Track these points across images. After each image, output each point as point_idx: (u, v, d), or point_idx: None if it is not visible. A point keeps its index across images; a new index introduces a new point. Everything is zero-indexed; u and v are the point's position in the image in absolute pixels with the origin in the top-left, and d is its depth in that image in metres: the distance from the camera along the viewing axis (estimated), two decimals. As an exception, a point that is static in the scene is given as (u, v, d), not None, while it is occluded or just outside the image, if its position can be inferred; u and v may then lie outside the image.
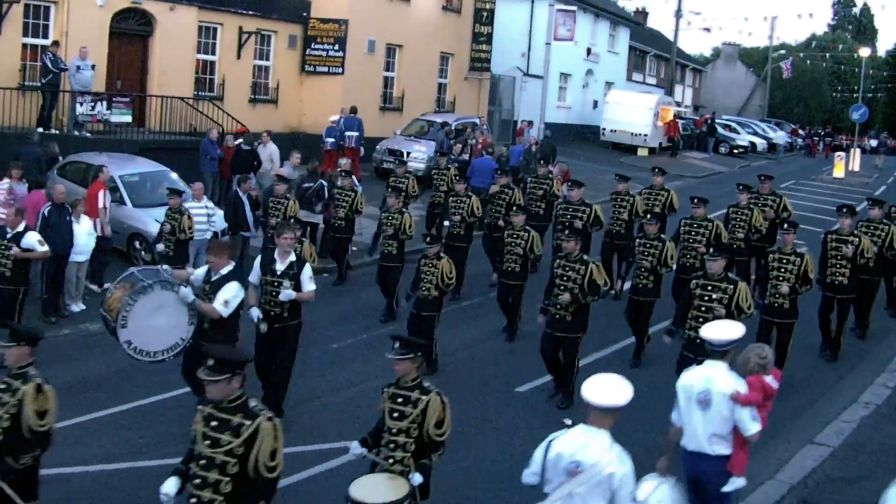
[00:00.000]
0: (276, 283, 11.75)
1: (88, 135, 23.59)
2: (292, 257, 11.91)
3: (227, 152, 23.68)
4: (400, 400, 8.17)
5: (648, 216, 16.34)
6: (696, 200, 17.31)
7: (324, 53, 32.36)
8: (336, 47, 32.22)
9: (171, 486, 7.19)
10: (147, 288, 11.32)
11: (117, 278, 11.94)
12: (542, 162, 22.60)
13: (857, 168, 48.75)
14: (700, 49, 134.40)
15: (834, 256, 15.67)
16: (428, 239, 14.85)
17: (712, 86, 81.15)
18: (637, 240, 15.89)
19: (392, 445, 8.19)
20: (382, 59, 34.86)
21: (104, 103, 24.19)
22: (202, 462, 6.84)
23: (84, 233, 16.49)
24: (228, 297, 11.27)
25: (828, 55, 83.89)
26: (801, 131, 71.19)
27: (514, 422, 12.65)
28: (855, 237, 15.61)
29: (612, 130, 47.11)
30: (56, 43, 23.40)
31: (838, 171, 46.13)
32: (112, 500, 10.15)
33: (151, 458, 11.09)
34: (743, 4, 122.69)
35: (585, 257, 13.21)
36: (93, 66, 23.93)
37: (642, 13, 68.34)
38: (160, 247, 16.99)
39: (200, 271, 11.94)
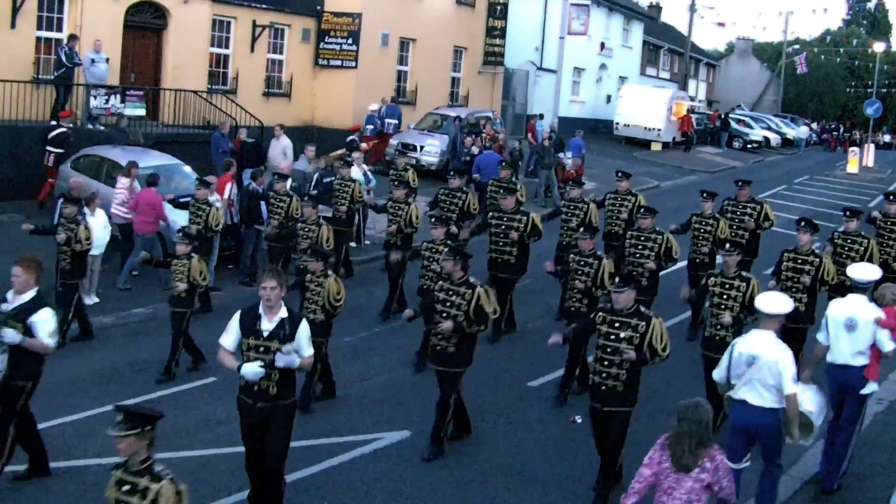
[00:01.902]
0: (261, 349, 8.97)
1: (102, 128, 23.64)
2: (283, 312, 9.09)
3: (239, 146, 23.82)
4: (126, 488, 6.50)
5: (582, 230, 14.35)
6: (643, 210, 15.44)
7: (337, 47, 32.37)
8: (349, 41, 32.22)
9: None
10: None
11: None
12: (502, 164, 20.44)
13: (870, 164, 48.63)
14: (714, 44, 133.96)
15: (790, 279, 13.66)
16: (309, 252, 13.01)
17: (726, 81, 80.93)
18: (571, 256, 13.86)
19: None
20: (396, 53, 34.85)
21: (118, 96, 24.25)
22: None
23: (99, 227, 16.50)
24: (52, 328, 9.85)
25: (842, 50, 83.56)
26: (814, 126, 71.09)
27: (526, 416, 12.65)
28: (815, 257, 13.62)
29: (625, 125, 47.08)
30: (74, 37, 23.40)
31: (852, 167, 46.04)
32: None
33: (164, 451, 11.07)
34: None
35: (472, 280, 11.32)
36: (107, 60, 23.99)
37: (656, 7, 68.19)
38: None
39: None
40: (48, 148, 21.29)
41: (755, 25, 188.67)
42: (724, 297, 11.98)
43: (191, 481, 10.06)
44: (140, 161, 20.50)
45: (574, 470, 10.99)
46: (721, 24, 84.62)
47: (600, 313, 10.26)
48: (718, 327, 11.91)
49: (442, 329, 11.08)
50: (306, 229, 15.95)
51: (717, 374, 9.64)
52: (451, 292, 11.21)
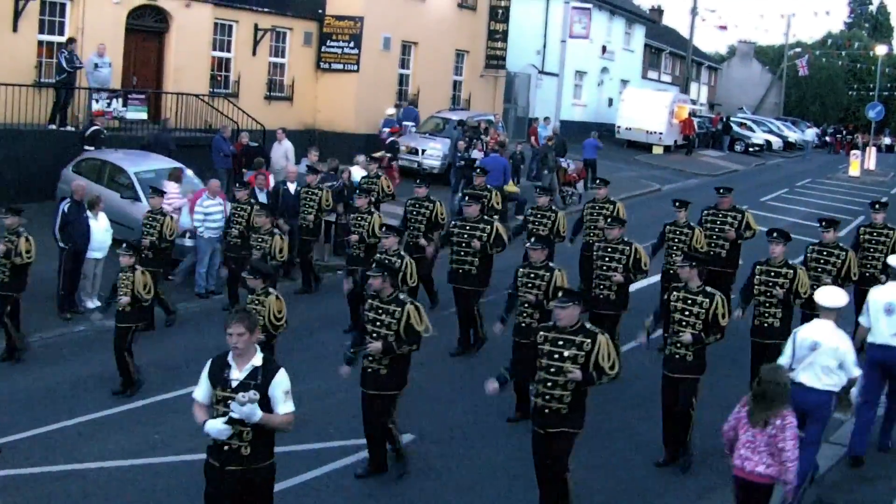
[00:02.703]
0: (229, 403, 7.54)
1: (104, 131, 23.64)
2: (256, 360, 7.69)
3: (240, 149, 23.86)
4: None
5: (532, 240, 13.32)
6: (609, 220, 14.67)
7: (339, 51, 32.36)
8: (351, 44, 32.21)
9: None
10: None
11: None
12: (478, 171, 19.23)
13: (872, 167, 48.63)
14: (715, 47, 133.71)
15: (763, 293, 12.78)
16: (248, 269, 12.26)
17: (728, 84, 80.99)
18: (520, 269, 12.88)
19: None
20: (398, 57, 34.83)
21: (120, 100, 24.27)
22: None
23: (101, 230, 16.53)
24: None
25: (844, 53, 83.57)
26: (816, 129, 71.19)
27: (528, 418, 12.58)
28: (789, 269, 12.73)
29: (627, 128, 47.05)
30: (72, 40, 23.41)
31: (854, 170, 46.05)
32: (128, 496, 10.18)
33: (167, 454, 11.13)
34: (759, 2, 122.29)
35: (402, 297, 10.67)
36: (110, 64, 23.99)
37: (657, 11, 68.22)
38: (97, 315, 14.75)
39: None
40: (85, 147, 21.80)
41: (757, 28, 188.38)
42: (686, 313, 11.04)
43: (194, 484, 10.08)
44: (142, 164, 20.59)
45: (576, 473, 10.96)
46: (723, 28, 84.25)
47: (542, 332, 9.54)
48: (678, 345, 11.05)
49: (371, 350, 10.41)
50: (259, 239, 15.42)
51: (783, 359, 10.35)
52: (380, 311, 10.51)
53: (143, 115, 24.83)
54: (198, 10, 27.55)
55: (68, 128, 23.19)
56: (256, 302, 11.72)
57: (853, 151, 49.94)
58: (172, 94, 26.27)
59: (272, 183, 20.38)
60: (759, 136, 56.18)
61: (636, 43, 56.63)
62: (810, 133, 62.50)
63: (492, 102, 39.65)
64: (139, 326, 13.54)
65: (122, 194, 19.65)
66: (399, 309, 10.40)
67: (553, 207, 16.83)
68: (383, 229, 14.39)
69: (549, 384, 9.30)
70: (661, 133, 46.35)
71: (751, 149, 54.06)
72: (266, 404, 7.55)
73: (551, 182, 28.53)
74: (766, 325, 12.72)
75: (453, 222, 15.74)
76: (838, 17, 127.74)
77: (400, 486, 10.56)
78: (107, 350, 14.80)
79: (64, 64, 22.69)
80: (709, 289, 11.18)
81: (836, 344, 10.08)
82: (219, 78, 29.37)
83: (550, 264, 12.75)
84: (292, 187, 19.50)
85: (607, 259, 14.00)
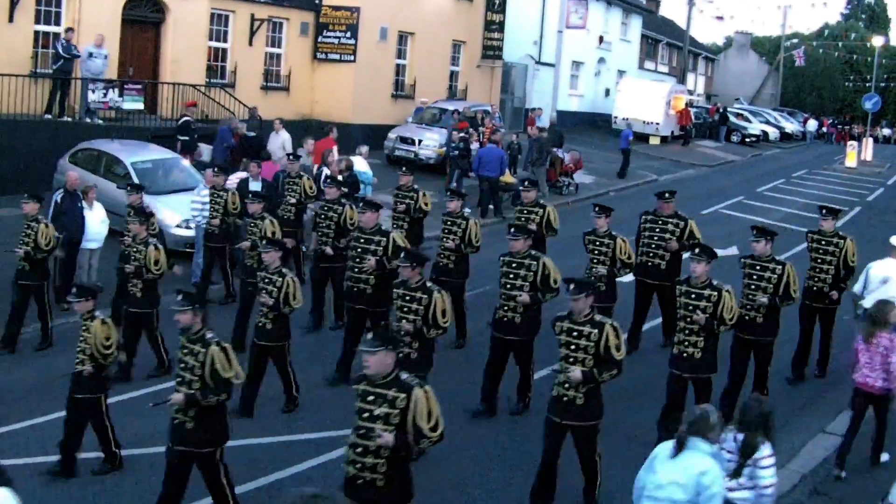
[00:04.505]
0: None
1: (100, 122, 23.66)
2: None
3: (238, 140, 23.85)
4: None
5: (403, 255, 11.71)
6: (512, 230, 12.42)
7: (336, 41, 32.33)
8: (348, 35, 32.19)
9: None
10: None
11: None
12: (403, 169, 17.17)
13: (869, 158, 48.65)
14: (712, 37, 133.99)
15: (683, 318, 11.15)
16: (74, 290, 10.77)
17: (725, 74, 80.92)
18: (394, 290, 11.23)
19: None
20: (394, 47, 34.80)
21: (116, 90, 24.27)
22: None
23: (97, 221, 16.49)
24: None
25: (840, 44, 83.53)
26: (813, 120, 71.29)
27: (526, 410, 12.60)
28: (712, 291, 11.00)
29: (623, 119, 46.93)
30: (70, 29, 23.43)
31: (850, 161, 46.07)
32: (124, 486, 10.22)
33: (165, 445, 11.12)
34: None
35: (209, 336, 8.92)
36: (105, 56, 23.96)
37: (654, 1, 68.13)
38: None
39: None
40: (178, 137, 23.43)
41: (754, 19, 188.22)
42: (573, 347, 9.49)
43: (193, 474, 10.10)
44: (139, 154, 20.62)
45: (574, 464, 10.98)
46: (720, 18, 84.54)
47: (354, 384, 7.85)
48: (566, 386, 9.54)
49: (174, 402, 8.86)
50: (134, 249, 13.50)
51: (857, 287, 13.14)
52: (185, 351, 8.93)
53: (140, 106, 24.84)
54: (194, 1, 27.53)
55: (65, 118, 23.18)
56: (83, 328, 10.48)
57: (850, 142, 49.98)
58: (169, 85, 26.26)
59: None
60: (755, 127, 56.15)
61: (633, 33, 56.56)
62: (812, 124, 62.77)
63: (488, 93, 39.62)
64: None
65: (118, 184, 19.66)
66: (203, 350, 8.79)
67: (465, 214, 15.05)
68: (263, 242, 12.89)
69: (360, 450, 7.58)
70: (657, 123, 46.29)
71: (747, 139, 54.08)
72: None
73: (539, 172, 28.40)
74: (685, 354, 11.11)
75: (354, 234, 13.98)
76: (835, 9, 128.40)
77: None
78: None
79: (61, 51, 22.69)
80: (598, 317, 9.60)
81: None
82: (215, 68, 29.34)
83: (429, 284, 11.10)
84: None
85: (511, 276, 12.09)
